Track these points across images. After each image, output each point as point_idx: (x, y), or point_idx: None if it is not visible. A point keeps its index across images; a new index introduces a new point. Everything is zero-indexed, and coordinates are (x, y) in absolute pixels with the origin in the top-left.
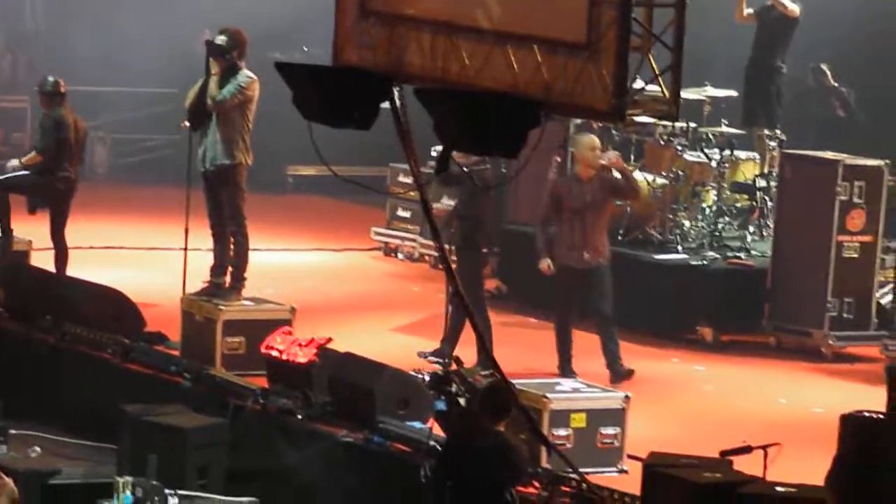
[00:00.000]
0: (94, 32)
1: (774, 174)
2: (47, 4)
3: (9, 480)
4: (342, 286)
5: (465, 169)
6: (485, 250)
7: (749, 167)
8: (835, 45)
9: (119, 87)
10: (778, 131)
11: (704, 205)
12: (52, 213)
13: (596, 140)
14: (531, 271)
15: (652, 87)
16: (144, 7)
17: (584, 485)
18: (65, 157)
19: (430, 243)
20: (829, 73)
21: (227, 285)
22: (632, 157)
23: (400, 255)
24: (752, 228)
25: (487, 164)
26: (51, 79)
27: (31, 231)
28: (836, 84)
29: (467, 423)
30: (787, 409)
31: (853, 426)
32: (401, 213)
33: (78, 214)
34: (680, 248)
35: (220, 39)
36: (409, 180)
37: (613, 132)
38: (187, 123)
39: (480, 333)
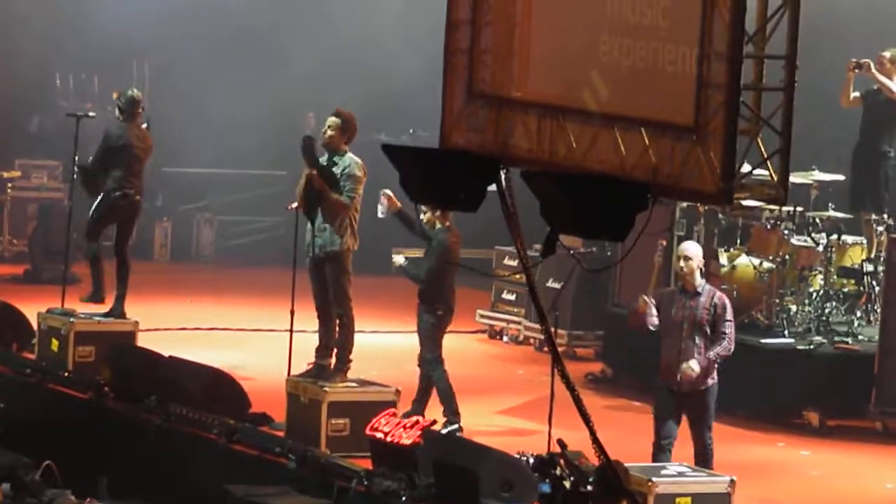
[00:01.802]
0: (200, 113)
1: (882, 259)
2: (153, 85)
3: None
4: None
5: (571, 252)
6: (440, 312)
7: (856, 252)
8: None
9: (224, 169)
10: (885, 216)
11: (811, 289)
12: (117, 230)
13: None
14: (634, 354)
15: (759, 171)
16: (250, 88)
17: None
18: (111, 168)
19: (536, 326)
20: None
21: (331, 367)
22: (738, 241)
23: (505, 338)
24: (859, 313)
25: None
26: (128, 93)
27: (136, 312)
28: None
29: None
30: (894, 495)
31: None
32: (506, 295)
33: (184, 295)
34: (787, 332)
35: (332, 121)
36: (514, 263)
37: (720, 216)
38: (295, 205)
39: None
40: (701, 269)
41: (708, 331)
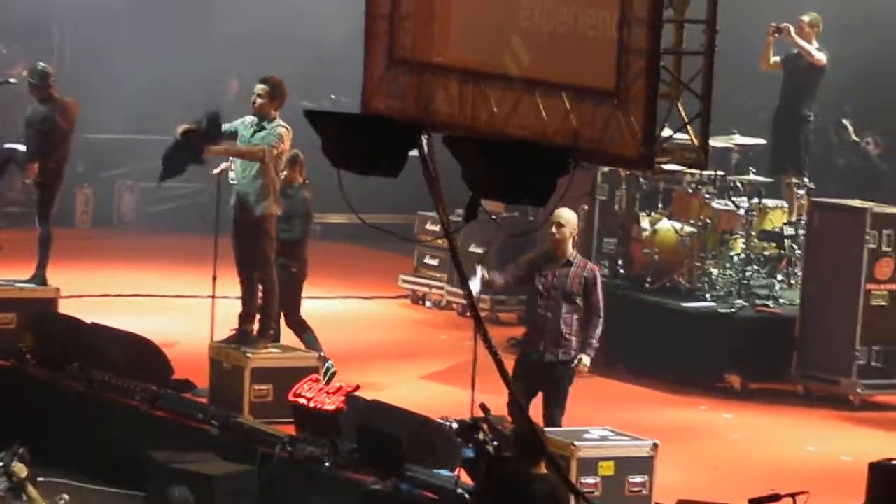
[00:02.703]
0: (122, 79)
1: (803, 222)
2: (73, 50)
3: None
4: (370, 334)
5: (493, 217)
6: (294, 269)
7: (777, 215)
8: (859, 93)
9: (147, 136)
10: (806, 179)
11: (732, 253)
12: (39, 198)
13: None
14: None
15: (680, 135)
16: (174, 53)
17: None
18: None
19: (458, 291)
20: (850, 127)
21: (254, 333)
22: (660, 205)
23: (428, 303)
24: (780, 276)
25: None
26: (38, 67)
27: (58, 279)
28: (857, 139)
29: (506, 470)
30: (816, 457)
31: (881, 474)
32: (428, 260)
33: (106, 262)
34: (708, 296)
35: (261, 87)
36: (436, 228)
37: (641, 180)
38: (218, 171)
39: None
40: (574, 238)
41: (578, 301)
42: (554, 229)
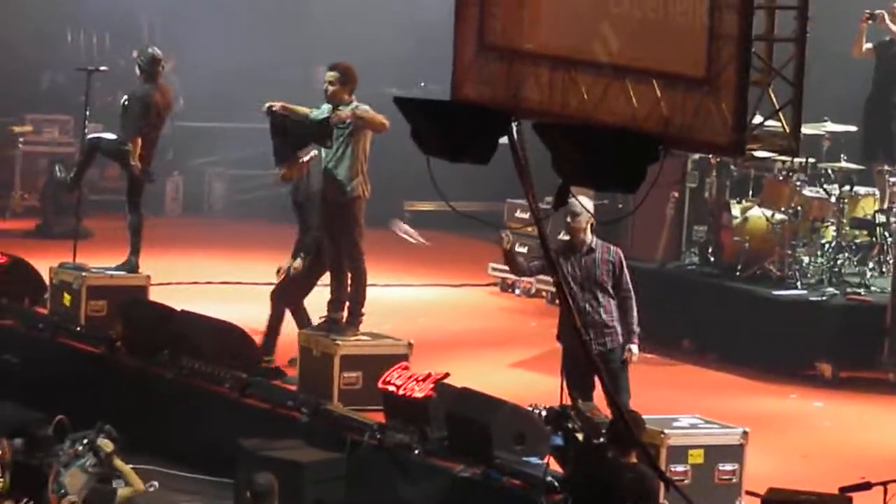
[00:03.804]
0: (211, 67)
1: (894, 210)
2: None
3: None
4: (459, 321)
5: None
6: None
7: (869, 203)
8: None
9: (236, 123)
10: None
11: (823, 240)
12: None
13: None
14: (646, 305)
15: (771, 122)
16: (264, 40)
17: None
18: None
19: (548, 278)
20: None
21: (344, 320)
22: (750, 193)
23: (517, 291)
24: (871, 264)
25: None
26: (149, 51)
27: (148, 266)
28: None
29: (597, 458)
30: None
31: None
32: (518, 248)
33: (196, 249)
34: (799, 283)
35: (331, 74)
36: (526, 215)
37: (732, 168)
38: (308, 158)
39: None
40: (592, 225)
41: (609, 287)
42: (569, 219)
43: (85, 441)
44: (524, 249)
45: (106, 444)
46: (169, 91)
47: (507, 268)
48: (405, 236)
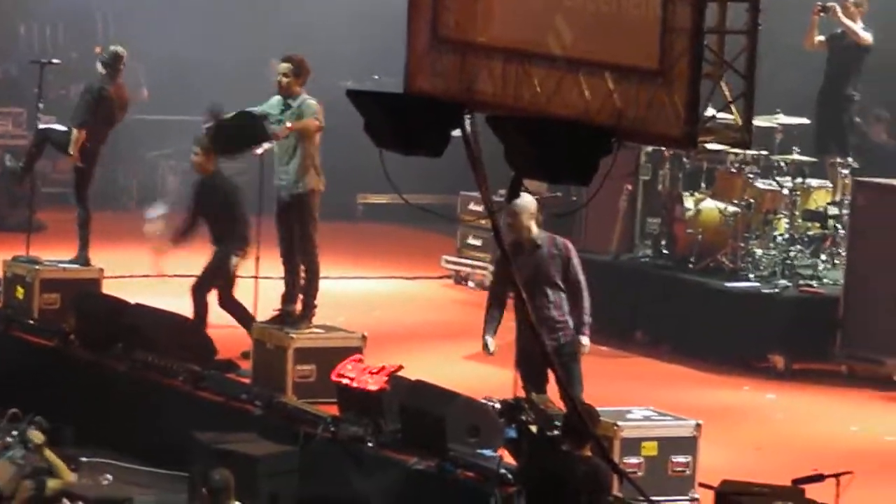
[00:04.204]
0: (164, 61)
1: (846, 202)
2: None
3: None
4: (413, 314)
5: (536, 196)
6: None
7: (821, 195)
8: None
9: (189, 116)
10: (850, 159)
11: (776, 233)
12: (77, 177)
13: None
14: (599, 297)
15: (724, 115)
16: (214, 34)
17: None
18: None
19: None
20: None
21: (297, 313)
22: (703, 185)
23: (470, 283)
24: (824, 256)
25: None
26: (112, 49)
27: (101, 259)
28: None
29: (551, 451)
30: (859, 438)
31: None
32: (471, 241)
33: (149, 243)
34: (751, 276)
35: (284, 66)
36: (479, 208)
37: (685, 160)
38: (261, 151)
39: None
40: (537, 220)
41: (558, 282)
42: (509, 219)
43: (14, 433)
44: (478, 242)
45: (36, 436)
46: (125, 90)
47: (459, 259)
48: None
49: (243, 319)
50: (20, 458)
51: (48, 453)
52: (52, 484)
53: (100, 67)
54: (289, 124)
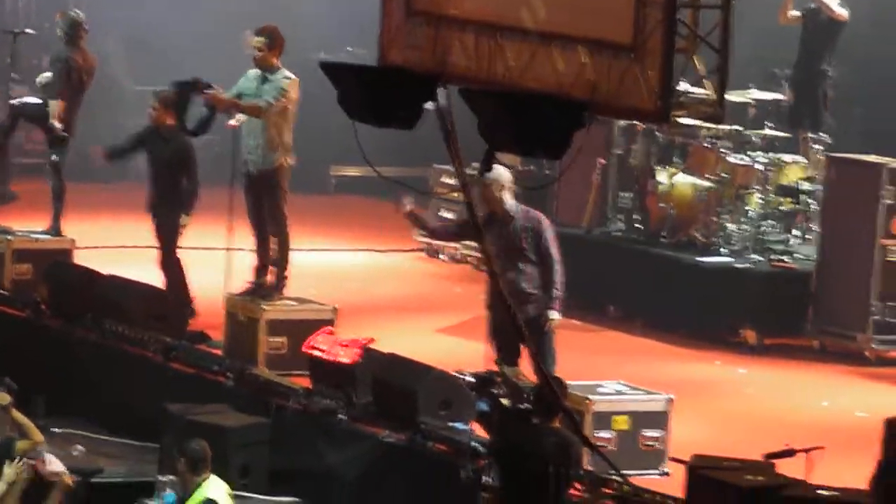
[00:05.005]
0: (136, 29)
1: (819, 177)
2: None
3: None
4: (385, 287)
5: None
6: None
7: (794, 170)
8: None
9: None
10: (823, 134)
11: (748, 208)
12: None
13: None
14: (572, 271)
15: (697, 89)
16: (187, 3)
17: (627, 487)
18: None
19: (473, 244)
20: None
21: (269, 285)
22: (676, 160)
23: (443, 257)
24: (796, 232)
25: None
26: (70, 15)
27: (73, 230)
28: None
29: (521, 424)
30: (831, 413)
31: None
32: (444, 213)
33: (121, 213)
34: (724, 250)
35: (258, 40)
36: (452, 181)
37: (658, 134)
38: (233, 122)
39: None
40: (512, 191)
41: (531, 255)
42: (482, 190)
43: None
44: (451, 215)
45: (2, 398)
46: (92, 61)
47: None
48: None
49: (174, 285)
50: None
51: (16, 414)
52: (21, 445)
53: (59, 34)
54: (223, 97)
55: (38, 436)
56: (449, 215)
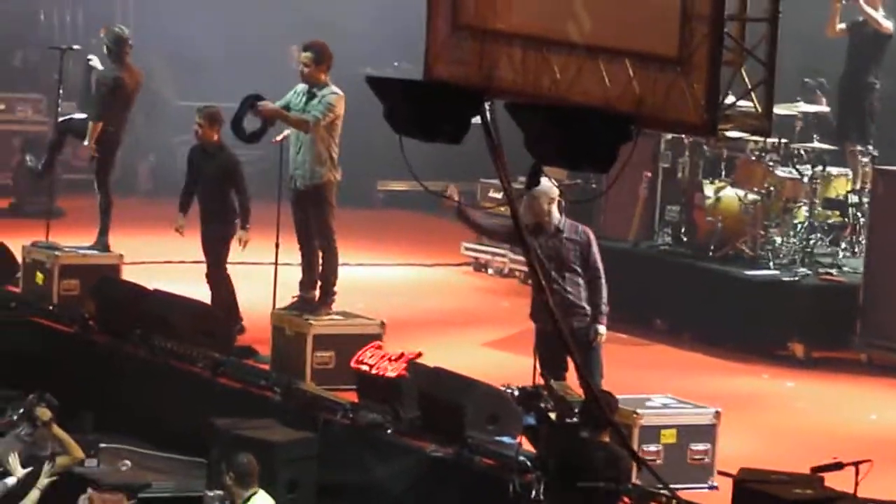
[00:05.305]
0: (184, 45)
1: (867, 190)
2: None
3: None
4: (432, 301)
5: (556, 184)
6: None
7: (841, 183)
8: None
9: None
10: (870, 147)
11: (796, 221)
12: (98, 164)
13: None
14: (619, 285)
15: (744, 102)
16: (236, 22)
17: (675, 501)
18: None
19: (521, 258)
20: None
21: (316, 300)
22: (723, 173)
23: (490, 271)
24: (843, 245)
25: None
26: (115, 31)
27: (121, 245)
28: None
29: (570, 438)
30: (879, 426)
31: None
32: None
33: (169, 229)
34: (771, 264)
35: (305, 55)
36: (499, 195)
37: (705, 148)
38: (280, 138)
39: None
40: (560, 204)
41: (577, 269)
42: (528, 202)
43: (21, 410)
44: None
45: (44, 413)
46: (139, 76)
47: (478, 247)
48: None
49: (223, 301)
50: (26, 436)
51: (56, 430)
52: (61, 461)
53: (105, 52)
54: (272, 107)
55: (79, 452)
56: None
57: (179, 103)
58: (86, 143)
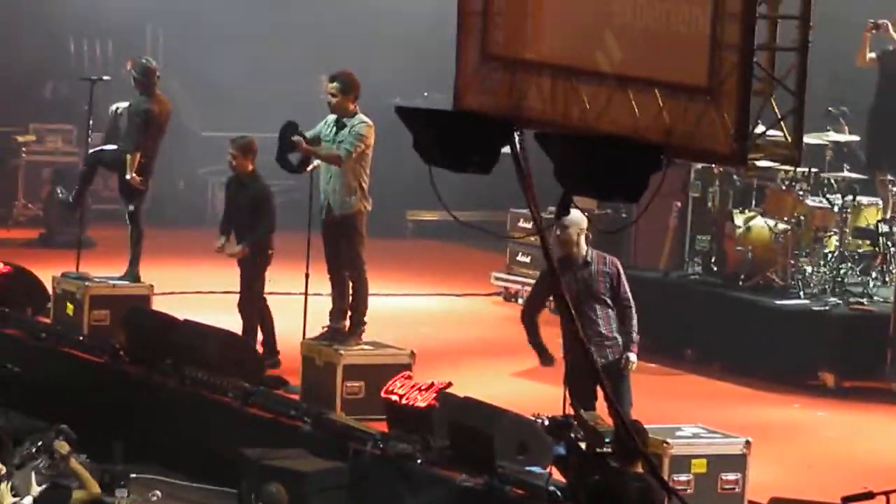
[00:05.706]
0: (214, 76)
1: None
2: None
3: None
4: (462, 331)
5: (586, 214)
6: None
7: (872, 213)
8: None
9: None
10: None
11: (826, 250)
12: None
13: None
14: (649, 315)
15: (774, 132)
16: (265, 53)
17: None
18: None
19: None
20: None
21: (346, 330)
22: (753, 202)
23: (520, 300)
24: (874, 274)
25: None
26: (142, 62)
27: (151, 276)
28: None
29: (600, 468)
30: None
31: None
32: (521, 258)
33: (199, 259)
34: (801, 293)
35: (332, 86)
36: (529, 225)
37: (735, 177)
38: (311, 168)
39: None
40: (587, 236)
41: (607, 299)
42: (558, 232)
43: (39, 443)
44: (528, 259)
45: (62, 446)
46: (167, 106)
47: (508, 276)
48: None
49: (253, 331)
50: (44, 469)
51: (74, 464)
52: (77, 495)
53: (133, 83)
54: (306, 147)
55: (96, 487)
56: (525, 259)
57: (202, 134)
58: (128, 176)
